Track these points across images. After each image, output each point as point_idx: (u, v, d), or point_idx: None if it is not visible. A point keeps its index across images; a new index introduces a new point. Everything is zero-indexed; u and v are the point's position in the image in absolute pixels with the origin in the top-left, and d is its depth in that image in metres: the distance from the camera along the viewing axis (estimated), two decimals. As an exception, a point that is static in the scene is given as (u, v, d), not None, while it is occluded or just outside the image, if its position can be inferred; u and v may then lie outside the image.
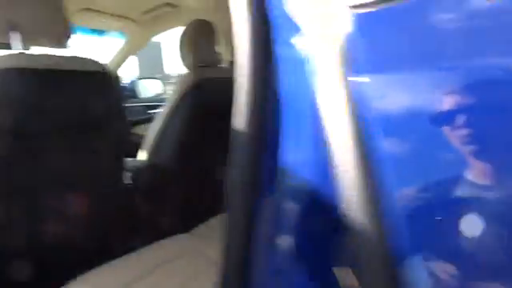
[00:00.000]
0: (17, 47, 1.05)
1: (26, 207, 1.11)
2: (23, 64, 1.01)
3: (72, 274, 1.27)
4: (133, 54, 2.33)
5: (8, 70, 0.98)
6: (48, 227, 1.19)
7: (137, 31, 2.17)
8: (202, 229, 1.39)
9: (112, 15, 1.95)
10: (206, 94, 1.62)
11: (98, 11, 1.87)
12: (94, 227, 1.32)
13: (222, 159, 1.85)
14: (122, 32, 2.30)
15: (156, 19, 2.08)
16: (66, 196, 1.21)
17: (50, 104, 1.07)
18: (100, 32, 2.45)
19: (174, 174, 1.65)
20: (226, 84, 1.75)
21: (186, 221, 1.71)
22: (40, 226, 1.16)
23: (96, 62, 1.21)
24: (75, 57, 1.16)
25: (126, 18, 2.03)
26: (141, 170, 1.59)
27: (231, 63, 1.99)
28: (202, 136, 1.68)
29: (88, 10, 1.83)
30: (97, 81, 1.19)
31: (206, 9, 1.92)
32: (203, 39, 1.62)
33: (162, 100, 2.76)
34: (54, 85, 1.08)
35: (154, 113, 2.53)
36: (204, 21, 1.62)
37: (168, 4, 1.90)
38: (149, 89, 2.88)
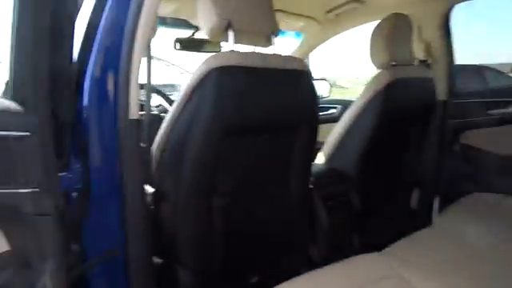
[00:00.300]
0: (230, 45, 1.06)
1: (223, 205, 1.13)
2: (234, 62, 1.02)
3: (252, 272, 1.26)
4: (307, 54, 2.29)
5: (222, 68, 0.99)
6: (242, 225, 1.20)
7: (317, 31, 2.11)
8: (395, 249, 1.24)
9: (295, 15, 1.93)
10: (399, 95, 1.46)
11: (284, 12, 1.86)
12: (277, 227, 1.30)
13: (409, 170, 1.67)
14: (297, 32, 2.28)
15: (339, 17, 1.99)
16: (259, 194, 1.21)
17: (257, 102, 1.06)
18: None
19: (355, 181, 1.54)
20: (420, 85, 1.58)
21: (366, 233, 1.59)
22: (235, 224, 1.17)
23: (301, 61, 1.17)
24: (280, 55, 1.14)
25: (309, 17, 1.99)
26: (320, 175, 1.52)
27: (423, 62, 1.77)
28: (389, 142, 1.54)
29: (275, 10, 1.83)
30: (301, 80, 1.15)
31: (397, 3, 1.74)
32: (399, 35, 1.47)
33: (331, 102, 2.68)
34: (262, 83, 1.06)
35: (323, 115, 2.46)
36: (402, 15, 1.46)
37: (355, 0, 1.79)
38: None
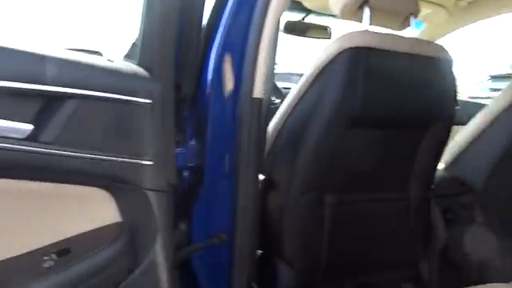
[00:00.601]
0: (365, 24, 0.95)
1: (335, 202, 1.02)
2: (371, 43, 0.90)
3: (352, 279, 1.15)
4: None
5: (356, 49, 0.89)
6: (351, 227, 1.09)
7: (442, 20, 1.88)
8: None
9: (423, 1, 1.72)
10: None
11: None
12: (387, 234, 1.17)
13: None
14: (417, 21, 2.06)
15: (471, 6, 1.73)
16: (374, 194, 1.09)
17: (391, 91, 0.93)
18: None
19: (481, 194, 1.33)
20: None
21: (486, 255, 1.38)
22: (344, 225, 1.07)
23: (443, 49, 1.02)
24: (421, 39, 1.00)
25: (437, 4, 1.76)
26: (441, 182, 1.34)
27: None
28: None
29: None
30: (443, 70, 0.99)
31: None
32: None
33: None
34: (400, 70, 0.94)
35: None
36: None
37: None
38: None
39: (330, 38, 1.87)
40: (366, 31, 0.93)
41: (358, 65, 0.88)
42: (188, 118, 0.86)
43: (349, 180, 1.03)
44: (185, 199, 0.89)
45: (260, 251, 1.11)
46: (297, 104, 0.97)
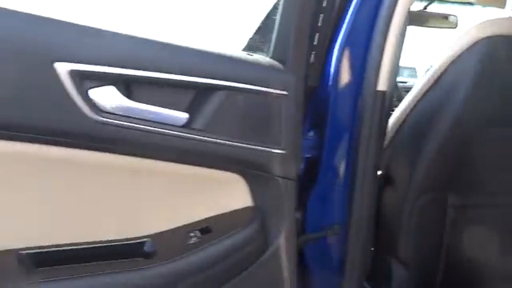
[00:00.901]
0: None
1: (460, 204, 0.96)
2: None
3: None
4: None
5: (495, 38, 0.82)
6: (476, 234, 1.01)
7: None
8: None
9: None
10: None
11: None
12: None
13: None
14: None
15: None
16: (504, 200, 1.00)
17: None
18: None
19: None
20: None
21: None
22: (469, 232, 0.99)
23: None
24: None
25: None
26: None
27: None
28: None
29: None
30: None
31: None
32: None
33: None
34: None
35: None
36: None
37: None
38: None
39: (455, 28, 1.74)
40: (510, 18, 0.85)
41: (497, 56, 0.81)
42: (308, 109, 0.88)
43: (477, 182, 0.96)
44: (300, 189, 0.91)
45: (372, 248, 1.09)
46: (422, 97, 0.92)
